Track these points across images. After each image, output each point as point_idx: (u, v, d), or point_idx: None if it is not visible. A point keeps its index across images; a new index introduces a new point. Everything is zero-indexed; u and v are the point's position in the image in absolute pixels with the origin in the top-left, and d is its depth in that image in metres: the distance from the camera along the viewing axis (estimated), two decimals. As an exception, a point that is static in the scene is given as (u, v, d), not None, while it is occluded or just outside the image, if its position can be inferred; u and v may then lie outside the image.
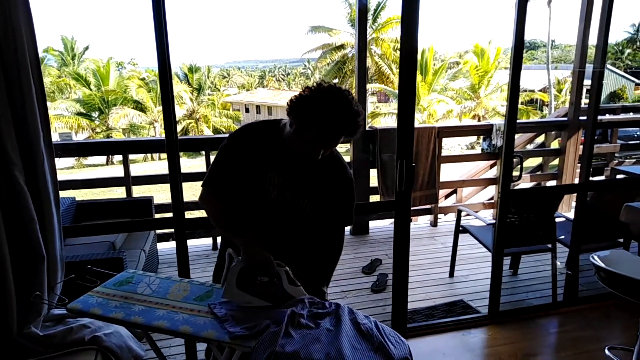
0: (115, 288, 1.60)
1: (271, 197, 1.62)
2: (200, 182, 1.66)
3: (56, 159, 2.02)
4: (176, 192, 2.18)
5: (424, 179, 4.42)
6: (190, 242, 3.25)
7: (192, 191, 3.05)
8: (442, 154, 4.53)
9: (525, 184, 5.14)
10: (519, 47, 2.43)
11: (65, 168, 19.78)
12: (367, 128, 4.27)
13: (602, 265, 2.03)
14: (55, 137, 24.06)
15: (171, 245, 3.87)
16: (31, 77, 1.79)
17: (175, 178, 2.16)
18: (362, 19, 4.04)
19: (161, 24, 1.99)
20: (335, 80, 25.32)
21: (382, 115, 21.67)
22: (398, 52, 22.68)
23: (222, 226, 1.64)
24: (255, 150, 1.61)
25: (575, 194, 3.02)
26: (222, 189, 1.62)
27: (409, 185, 2.42)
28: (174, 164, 2.15)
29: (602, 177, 5.59)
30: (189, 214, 2.30)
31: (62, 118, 21.37)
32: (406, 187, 2.42)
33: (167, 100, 2.06)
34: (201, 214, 1.90)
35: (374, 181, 4.40)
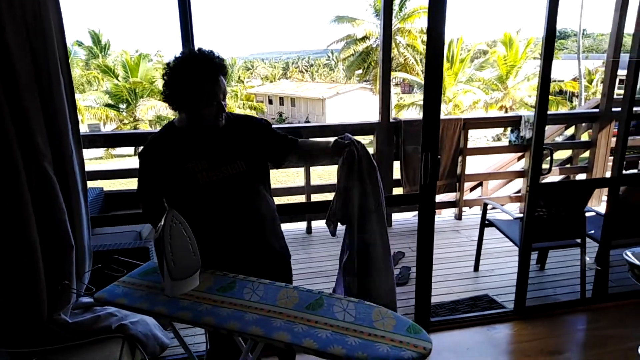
0: (141, 278, 1.63)
1: (207, 181, 1.67)
2: None
3: (85, 150, 2.06)
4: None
5: (445, 168, 4.37)
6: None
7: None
8: (468, 146, 4.46)
9: (554, 177, 5.01)
10: (551, 36, 2.35)
11: (94, 158, 20.24)
12: (391, 119, 4.22)
13: (637, 262, 1.96)
14: (84, 128, 24.68)
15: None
16: (60, 71, 1.82)
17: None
18: (387, 6, 3.97)
19: (186, 17, 2.00)
20: (359, 72, 25.13)
21: (406, 108, 21.42)
22: (423, 42, 22.36)
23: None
24: (166, 156, 1.68)
25: (606, 188, 2.92)
26: (158, 206, 1.66)
27: (434, 178, 2.38)
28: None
29: (635, 171, 5.40)
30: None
31: (91, 109, 21.83)
32: (431, 180, 2.39)
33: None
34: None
35: (397, 174, 4.36)
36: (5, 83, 1.71)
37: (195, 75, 1.57)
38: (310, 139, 1.95)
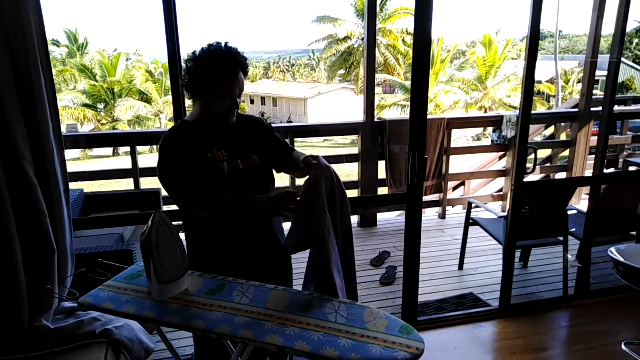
0: (127, 282, 1.58)
1: (231, 170, 1.67)
2: None
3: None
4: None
5: (431, 169, 4.40)
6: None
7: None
8: (450, 146, 4.49)
9: (534, 175, 5.09)
10: (535, 37, 2.38)
11: (72, 159, 19.80)
12: (375, 119, 4.23)
13: (622, 259, 1.99)
14: (61, 129, 24.13)
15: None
16: (40, 68, 1.77)
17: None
18: (371, 8, 3.97)
19: (171, 15, 1.96)
20: (341, 72, 25.15)
21: (387, 108, 21.53)
22: (404, 43, 22.51)
23: (234, 213, 1.69)
24: (186, 148, 1.65)
25: (585, 186, 2.97)
26: (204, 192, 1.62)
27: (421, 177, 2.39)
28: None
29: (612, 169, 5.53)
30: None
31: (68, 109, 21.35)
32: (418, 180, 2.39)
33: (176, 90, 2.04)
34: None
35: (381, 173, 4.37)
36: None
37: (216, 65, 1.61)
38: (295, 149, 1.95)
